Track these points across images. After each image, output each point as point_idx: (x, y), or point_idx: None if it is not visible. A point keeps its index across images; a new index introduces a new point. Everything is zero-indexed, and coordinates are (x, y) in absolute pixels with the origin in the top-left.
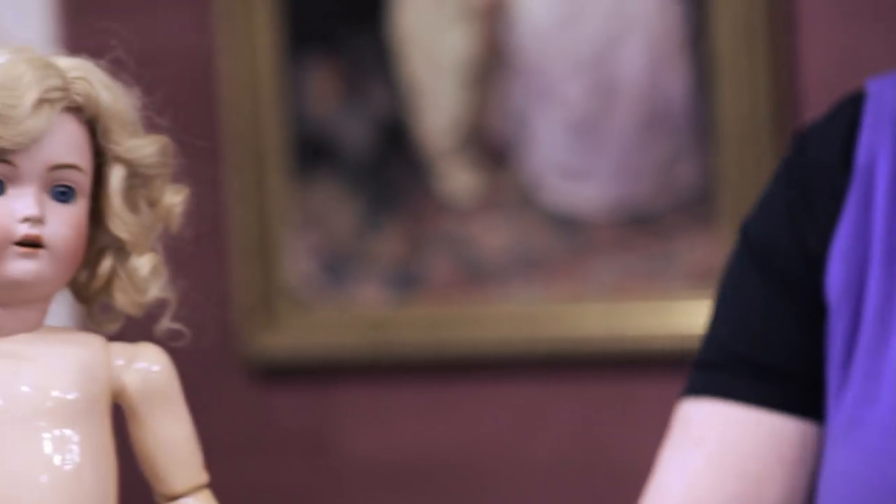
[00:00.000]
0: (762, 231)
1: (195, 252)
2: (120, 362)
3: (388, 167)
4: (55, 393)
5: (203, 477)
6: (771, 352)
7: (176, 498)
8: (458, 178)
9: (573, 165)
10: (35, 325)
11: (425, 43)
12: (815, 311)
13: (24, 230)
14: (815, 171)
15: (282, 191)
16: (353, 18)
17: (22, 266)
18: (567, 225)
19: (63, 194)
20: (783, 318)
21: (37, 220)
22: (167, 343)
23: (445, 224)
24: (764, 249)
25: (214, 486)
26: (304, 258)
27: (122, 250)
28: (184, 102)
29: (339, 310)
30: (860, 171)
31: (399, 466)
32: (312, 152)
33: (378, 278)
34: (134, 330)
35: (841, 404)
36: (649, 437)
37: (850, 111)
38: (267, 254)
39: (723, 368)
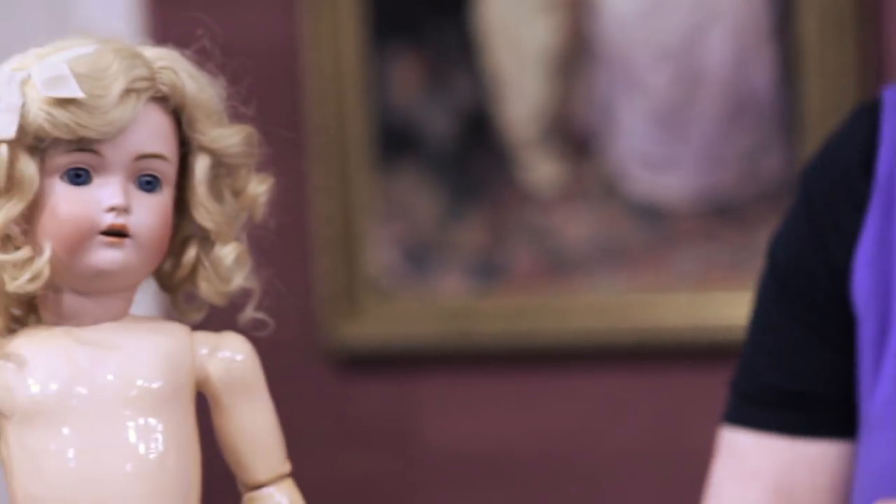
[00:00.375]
0: (788, 249)
1: (278, 242)
2: (204, 351)
3: (472, 157)
4: (140, 382)
5: (285, 466)
6: (806, 380)
7: (258, 487)
8: (542, 168)
9: (657, 155)
10: (120, 314)
11: (510, 33)
12: (844, 326)
13: (110, 219)
14: (835, 182)
15: (365, 181)
16: (438, 9)
17: (107, 255)
18: (650, 215)
19: (148, 184)
20: (814, 344)
21: (122, 210)
22: (251, 332)
23: (528, 214)
24: (791, 271)
25: (295, 475)
26: (386, 248)
27: (206, 240)
28: (268, 93)
29: (421, 300)
30: (881, 179)
31: (480, 456)
32: (396, 143)
33: (460, 268)
34: (218, 319)
35: (872, 405)
36: None
37: (867, 120)
38: (350, 244)
39: (765, 401)
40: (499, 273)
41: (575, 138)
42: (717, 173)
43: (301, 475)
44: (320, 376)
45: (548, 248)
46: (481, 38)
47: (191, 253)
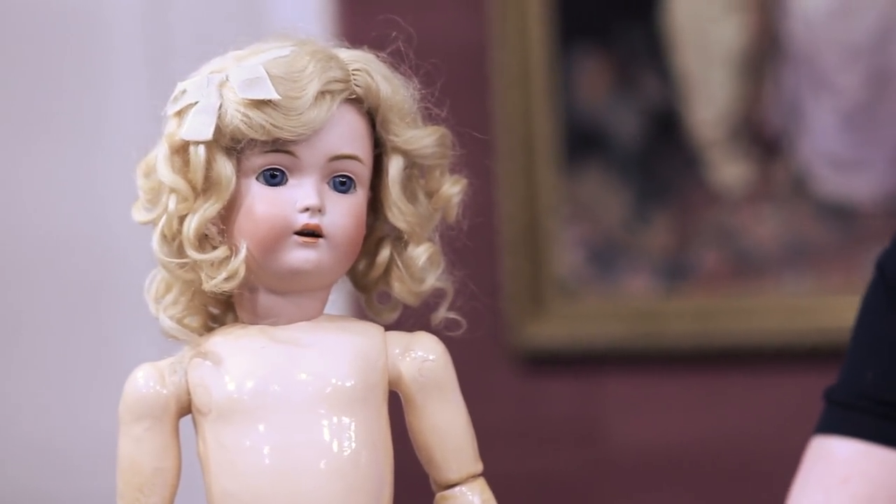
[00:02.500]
0: None
1: (466, 242)
2: (397, 351)
3: (658, 158)
4: (334, 380)
5: (478, 466)
6: None
7: (451, 486)
8: (729, 169)
9: (846, 155)
10: (314, 314)
11: (698, 33)
12: None
13: (305, 220)
14: None
15: (551, 182)
16: (626, 10)
17: (302, 255)
18: (839, 215)
19: (343, 184)
20: None
21: (317, 210)
22: (443, 332)
23: (715, 214)
24: None
25: (484, 472)
26: (572, 249)
27: (400, 240)
28: (457, 94)
29: (607, 300)
30: None
31: (665, 457)
32: (582, 144)
33: (647, 269)
34: (411, 319)
35: None
36: None
37: None
38: (536, 244)
39: (865, 410)
40: (685, 273)
41: (763, 138)
42: None
43: (487, 473)
44: (506, 376)
45: (735, 249)
46: (669, 38)
47: (384, 253)
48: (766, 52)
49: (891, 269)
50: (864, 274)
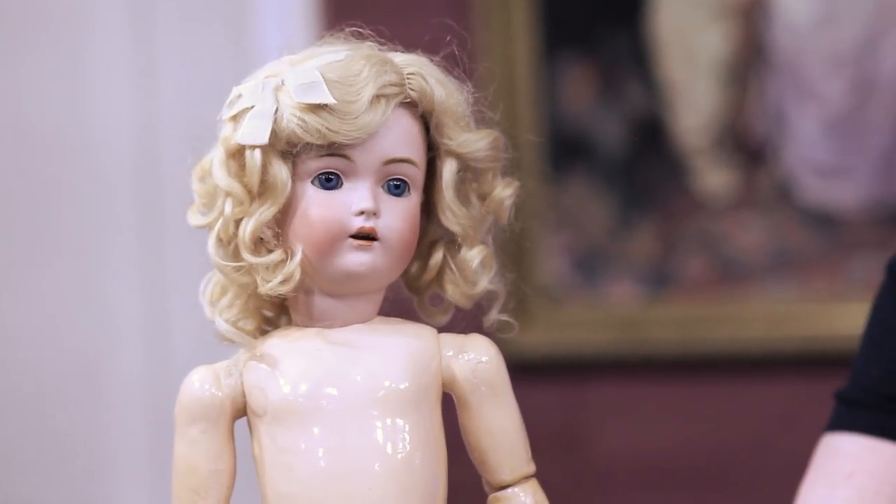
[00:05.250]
0: None
1: None
2: (450, 353)
3: (643, 166)
4: (387, 382)
5: (531, 467)
6: None
7: (503, 487)
8: (714, 176)
9: (831, 163)
10: (368, 316)
11: (682, 42)
12: None
13: (360, 223)
14: None
15: (536, 190)
16: (610, 19)
17: (356, 258)
18: (823, 223)
19: (397, 188)
20: None
21: (371, 213)
22: (495, 334)
23: (700, 222)
24: None
25: (463, 477)
26: (557, 256)
27: (453, 243)
28: None
29: (591, 307)
30: None
31: (649, 463)
32: (567, 151)
33: (631, 276)
34: (463, 322)
35: None
36: None
37: None
38: (520, 252)
39: (871, 406)
40: (670, 281)
41: (747, 146)
42: (893, 181)
43: (469, 479)
44: None
45: (719, 256)
46: (654, 46)
47: (437, 256)
48: (750, 60)
49: None
50: (849, 281)
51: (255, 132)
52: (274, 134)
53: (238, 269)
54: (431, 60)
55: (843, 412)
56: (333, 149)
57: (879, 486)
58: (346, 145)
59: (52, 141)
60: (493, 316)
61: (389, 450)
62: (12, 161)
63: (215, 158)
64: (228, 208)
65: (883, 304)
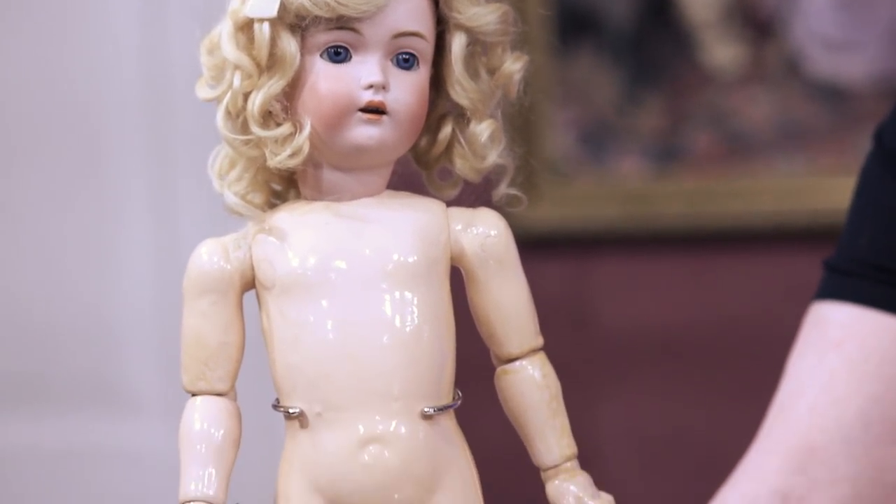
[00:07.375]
0: None
1: None
2: (458, 227)
3: (651, 40)
4: (396, 256)
5: (538, 340)
6: None
7: (511, 360)
8: (722, 50)
9: (839, 36)
10: (377, 190)
11: None
12: None
13: (369, 96)
14: None
15: (543, 64)
16: None
17: (366, 132)
18: (832, 96)
19: (406, 61)
20: None
21: (380, 87)
22: (504, 208)
23: (708, 96)
24: None
25: (469, 353)
26: (564, 131)
27: (461, 117)
28: None
29: (598, 182)
30: None
31: (655, 338)
32: (575, 26)
33: (638, 151)
34: (472, 196)
35: None
36: None
37: None
38: (528, 127)
39: (859, 275)
40: (677, 155)
41: (756, 20)
42: None
43: (478, 356)
44: None
45: (727, 131)
46: None
47: (446, 130)
48: None
49: (888, 139)
50: (856, 154)
51: (264, 5)
52: (283, 7)
53: (247, 142)
54: None
55: (832, 281)
56: (342, 22)
57: (868, 355)
58: (356, 19)
59: (57, 83)
60: (502, 190)
61: (398, 322)
62: (16, 102)
63: (223, 32)
64: (237, 81)
65: (870, 172)
